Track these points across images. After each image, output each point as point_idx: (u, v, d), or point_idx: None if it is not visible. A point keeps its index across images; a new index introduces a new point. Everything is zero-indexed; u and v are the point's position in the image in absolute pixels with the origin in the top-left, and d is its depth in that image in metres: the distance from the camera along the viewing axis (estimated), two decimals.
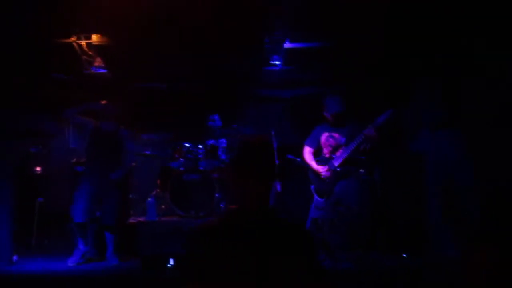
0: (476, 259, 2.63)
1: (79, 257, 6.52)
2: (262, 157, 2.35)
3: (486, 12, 5.90)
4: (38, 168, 8.32)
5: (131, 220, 7.60)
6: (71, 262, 6.46)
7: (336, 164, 6.38)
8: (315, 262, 2.36)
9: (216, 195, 7.54)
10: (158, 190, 7.93)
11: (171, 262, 5.79)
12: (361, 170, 7.29)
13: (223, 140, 8.03)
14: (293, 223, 2.39)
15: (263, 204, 2.34)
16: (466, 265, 2.63)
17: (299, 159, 7.07)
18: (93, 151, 6.73)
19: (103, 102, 6.73)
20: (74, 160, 7.86)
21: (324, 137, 6.57)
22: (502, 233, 2.55)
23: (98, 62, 8.02)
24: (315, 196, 6.59)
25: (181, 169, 7.82)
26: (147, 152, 8.36)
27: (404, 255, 6.50)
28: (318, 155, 6.64)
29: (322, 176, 6.44)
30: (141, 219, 7.65)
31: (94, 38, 7.39)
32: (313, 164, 6.56)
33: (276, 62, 8.18)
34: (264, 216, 2.33)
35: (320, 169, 6.48)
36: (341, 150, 6.41)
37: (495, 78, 6.10)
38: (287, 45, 7.59)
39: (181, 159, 7.88)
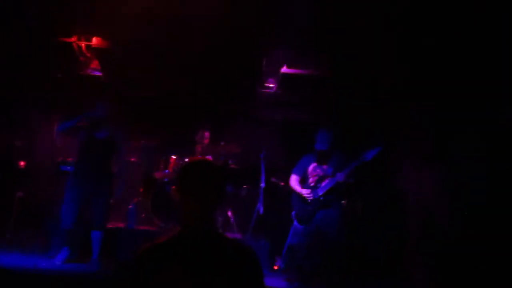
0: None
1: (63, 258, 6.44)
2: (203, 177, 2.40)
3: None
4: (21, 162, 8.27)
5: (110, 226, 7.50)
6: (57, 261, 6.40)
7: (320, 193, 6.44)
8: (257, 281, 2.40)
9: None
10: (139, 198, 7.88)
11: None
12: (343, 201, 7.35)
13: (209, 156, 7.93)
14: (237, 242, 2.44)
15: (204, 224, 2.38)
16: None
17: (282, 183, 7.12)
18: (85, 158, 6.61)
19: (98, 103, 6.59)
20: (60, 158, 7.82)
21: (311, 167, 6.66)
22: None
23: (95, 64, 8.01)
24: (295, 222, 6.63)
25: (165, 180, 7.80)
26: (133, 159, 8.33)
27: None
28: (303, 184, 6.69)
29: (307, 198, 6.48)
30: (120, 225, 7.64)
31: (94, 40, 7.36)
32: (298, 188, 6.61)
33: (271, 85, 8.26)
34: (206, 237, 2.37)
35: (304, 191, 6.52)
36: (326, 181, 6.48)
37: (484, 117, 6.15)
38: (284, 69, 7.62)
39: (166, 170, 7.87)
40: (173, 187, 2.48)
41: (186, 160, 7.45)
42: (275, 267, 7.28)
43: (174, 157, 7.87)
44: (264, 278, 2.46)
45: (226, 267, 2.31)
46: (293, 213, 6.66)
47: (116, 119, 6.82)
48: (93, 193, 6.51)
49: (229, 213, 8.09)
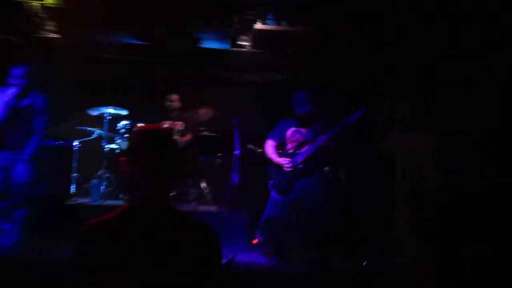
0: (427, 265, 2.68)
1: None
2: (154, 149, 2.20)
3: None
4: None
5: (72, 202, 7.12)
6: None
7: (299, 160, 6.03)
8: (215, 260, 2.28)
9: None
10: (104, 171, 7.44)
11: None
12: (325, 168, 6.98)
13: (179, 122, 7.56)
14: (193, 218, 2.30)
15: (161, 202, 2.23)
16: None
17: (259, 150, 6.70)
18: (4, 126, 5.97)
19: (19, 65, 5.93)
20: None
21: (290, 132, 6.25)
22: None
23: (50, 25, 7.54)
24: (272, 193, 6.23)
25: None
26: (94, 129, 7.76)
27: (365, 262, 6.16)
28: (281, 150, 6.30)
29: (285, 169, 6.08)
30: (83, 201, 7.24)
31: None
32: (274, 156, 6.21)
33: (245, 43, 7.90)
34: (158, 212, 2.21)
35: (282, 160, 6.12)
36: (306, 147, 6.05)
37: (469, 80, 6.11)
38: (258, 26, 7.26)
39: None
40: (122, 158, 2.22)
41: (137, 128, 7.00)
42: (254, 241, 6.86)
43: (141, 125, 7.36)
44: (221, 258, 2.36)
45: (179, 245, 2.18)
46: (270, 182, 6.24)
47: (41, 82, 6.16)
48: (12, 169, 5.89)
49: (203, 184, 7.73)
